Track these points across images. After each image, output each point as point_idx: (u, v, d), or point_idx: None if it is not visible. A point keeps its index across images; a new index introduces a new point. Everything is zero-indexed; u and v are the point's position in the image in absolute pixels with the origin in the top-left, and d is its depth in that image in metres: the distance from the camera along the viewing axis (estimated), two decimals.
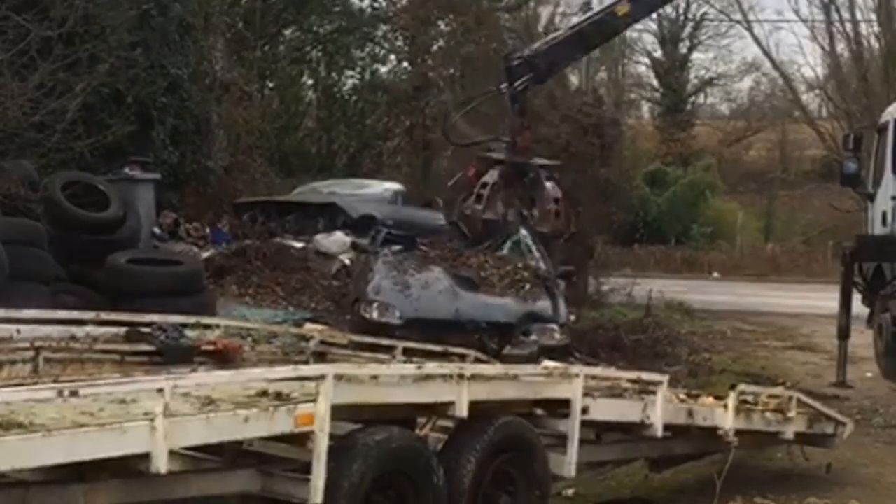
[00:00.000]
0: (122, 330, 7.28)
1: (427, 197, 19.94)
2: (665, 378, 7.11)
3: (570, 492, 7.47)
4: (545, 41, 14.63)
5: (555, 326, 10.86)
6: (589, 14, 15.27)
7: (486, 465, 5.87)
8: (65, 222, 11.81)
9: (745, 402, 7.64)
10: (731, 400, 7.36)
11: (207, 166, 18.18)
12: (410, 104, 27.38)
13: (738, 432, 7.35)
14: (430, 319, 10.38)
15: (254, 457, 5.14)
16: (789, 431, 7.93)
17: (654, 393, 6.87)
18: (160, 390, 4.47)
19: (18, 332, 6.70)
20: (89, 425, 4.31)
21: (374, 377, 5.52)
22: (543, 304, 11.05)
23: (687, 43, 44.30)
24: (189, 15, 17.61)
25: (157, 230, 15.09)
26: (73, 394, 4.42)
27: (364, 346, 8.12)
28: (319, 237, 15.85)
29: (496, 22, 29.11)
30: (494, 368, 6.93)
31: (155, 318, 7.50)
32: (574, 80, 33.86)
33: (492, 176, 13.25)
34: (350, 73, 29.11)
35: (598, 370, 7.92)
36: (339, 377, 5.10)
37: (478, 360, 8.22)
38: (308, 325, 9.46)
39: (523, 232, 12.46)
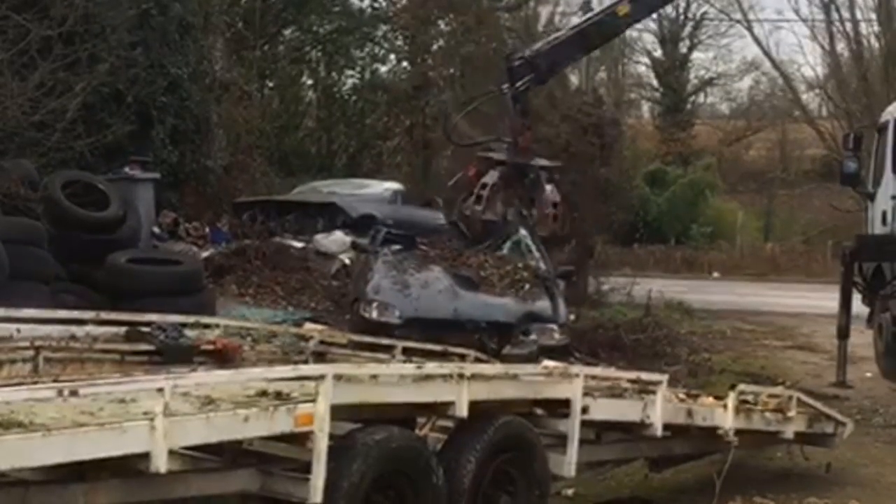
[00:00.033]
0: (122, 329, 7.28)
1: (427, 197, 19.93)
2: (665, 378, 7.10)
3: (569, 491, 7.47)
4: (546, 41, 14.61)
5: (554, 326, 10.85)
6: (590, 14, 15.26)
7: (485, 464, 5.87)
8: (65, 222, 11.82)
9: (745, 401, 7.64)
10: (731, 400, 7.36)
11: (207, 166, 18.19)
12: (410, 104, 27.37)
13: (738, 432, 7.35)
14: (429, 319, 10.37)
15: (253, 456, 5.14)
16: (789, 431, 7.93)
17: (653, 393, 6.87)
18: (160, 390, 4.47)
19: (18, 331, 6.71)
20: (89, 425, 4.31)
21: (374, 377, 5.51)
22: (543, 304, 11.05)
23: (687, 42, 44.30)
24: (189, 14, 17.62)
25: (156, 230, 15.11)
26: (73, 393, 4.42)
27: (364, 346, 8.12)
28: (319, 237, 15.86)
29: (496, 21, 29.10)
30: (494, 368, 6.92)
31: (154, 317, 7.50)
32: (574, 79, 33.87)
33: (492, 177, 13.23)
34: (350, 72, 29.16)
35: (597, 370, 7.92)
36: (338, 377, 5.10)
37: (478, 360, 8.21)
38: (308, 325, 9.46)
39: (523, 232, 12.46)
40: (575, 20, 17.23)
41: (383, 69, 29.53)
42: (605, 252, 21.26)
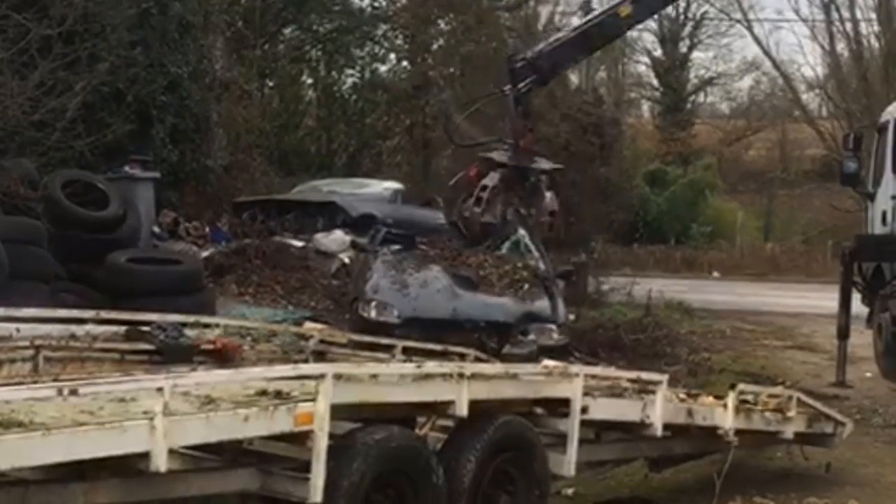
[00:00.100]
0: (122, 329, 7.28)
1: (427, 196, 19.93)
2: (665, 377, 7.10)
3: (569, 491, 7.47)
4: (548, 43, 14.57)
5: (553, 326, 10.86)
6: (591, 15, 15.26)
7: (485, 464, 5.87)
8: (64, 221, 11.81)
9: (745, 401, 7.63)
10: (731, 399, 7.36)
11: (207, 165, 18.19)
12: (410, 103, 27.37)
13: (738, 432, 7.35)
14: (428, 319, 10.39)
15: (253, 456, 5.14)
16: (789, 431, 7.93)
17: (653, 392, 6.87)
18: (160, 389, 4.46)
19: (18, 330, 6.70)
20: (89, 424, 4.31)
21: (374, 376, 5.51)
22: (542, 304, 11.05)
23: (687, 42, 44.31)
24: (189, 13, 17.62)
25: (156, 229, 15.10)
26: (73, 392, 4.41)
27: (363, 345, 8.12)
28: (319, 236, 15.86)
29: (496, 21, 29.12)
30: (494, 367, 6.91)
31: (154, 317, 7.50)
32: (574, 79, 33.84)
33: (492, 179, 13.20)
34: (350, 71, 29.14)
35: (597, 369, 7.92)
36: (338, 376, 5.10)
37: (478, 360, 8.21)
38: (307, 324, 9.46)
39: (522, 232, 12.45)
40: (575, 20, 17.30)
41: (383, 68, 29.59)
42: (606, 252, 21.26)
